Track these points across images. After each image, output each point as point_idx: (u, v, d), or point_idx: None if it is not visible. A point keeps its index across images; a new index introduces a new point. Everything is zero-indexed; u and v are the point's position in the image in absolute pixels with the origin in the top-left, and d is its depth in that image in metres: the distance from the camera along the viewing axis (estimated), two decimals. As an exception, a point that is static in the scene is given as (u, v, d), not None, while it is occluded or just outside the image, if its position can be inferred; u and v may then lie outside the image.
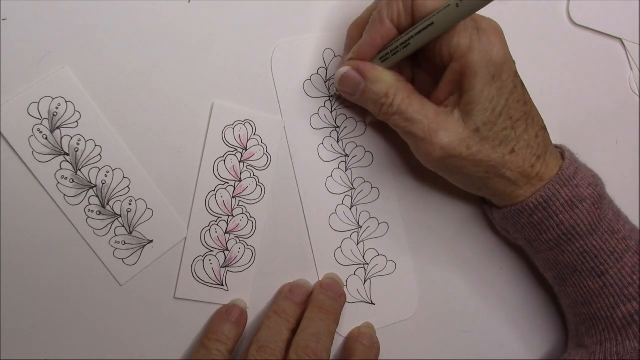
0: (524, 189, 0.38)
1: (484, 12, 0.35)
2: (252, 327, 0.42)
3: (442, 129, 0.36)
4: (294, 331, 0.40)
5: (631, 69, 0.48)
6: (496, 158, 0.37)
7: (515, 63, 0.37)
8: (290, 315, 0.40)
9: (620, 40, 0.48)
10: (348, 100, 0.40)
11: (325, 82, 0.42)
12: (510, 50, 0.36)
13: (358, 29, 0.39)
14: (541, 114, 0.39)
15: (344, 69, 0.38)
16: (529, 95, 0.38)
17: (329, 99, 0.42)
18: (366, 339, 0.42)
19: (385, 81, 0.37)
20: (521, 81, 0.37)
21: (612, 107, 0.48)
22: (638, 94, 0.48)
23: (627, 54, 0.48)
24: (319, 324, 0.39)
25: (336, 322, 0.41)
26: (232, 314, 0.41)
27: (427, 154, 0.37)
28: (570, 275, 0.40)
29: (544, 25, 0.47)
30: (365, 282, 0.44)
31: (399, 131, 0.38)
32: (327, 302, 0.41)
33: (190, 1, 0.39)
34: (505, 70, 0.36)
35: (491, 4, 0.33)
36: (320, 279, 0.43)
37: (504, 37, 0.36)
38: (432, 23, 0.34)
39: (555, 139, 0.45)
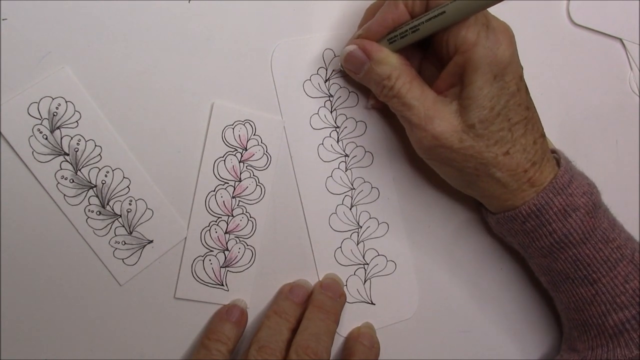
0: (513, 194, 0.38)
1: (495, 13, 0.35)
2: (252, 327, 0.42)
3: (438, 117, 0.36)
4: (294, 331, 0.40)
5: (631, 69, 0.48)
6: (488, 157, 0.37)
7: (522, 68, 0.37)
8: (291, 315, 0.40)
9: (620, 40, 0.48)
10: (352, 78, 0.40)
11: (325, 82, 0.42)
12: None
13: (375, 11, 0.39)
14: (541, 113, 0.39)
15: (351, 47, 0.38)
16: (532, 102, 0.38)
17: (329, 99, 0.42)
18: (366, 339, 0.42)
19: (389, 63, 0.37)
20: (526, 86, 0.37)
21: (612, 107, 0.48)
22: (638, 94, 0.48)
23: (627, 54, 0.48)
24: (319, 324, 0.39)
25: (336, 322, 0.41)
26: (232, 314, 0.41)
27: (419, 141, 0.37)
28: (563, 282, 0.40)
29: (544, 25, 0.47)
30: (365, 282, 0.44)
31: (397, 114, 0.39)
32: (327, 302, 0.41)
33: (190, 1, 0.39)
34: (509, 72, 0.35)
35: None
36: (320, 279, 0.43)
37: (514, 40, 0.36)
38: (444, 12, 0.34)
39: (555, 139, 0.45)
